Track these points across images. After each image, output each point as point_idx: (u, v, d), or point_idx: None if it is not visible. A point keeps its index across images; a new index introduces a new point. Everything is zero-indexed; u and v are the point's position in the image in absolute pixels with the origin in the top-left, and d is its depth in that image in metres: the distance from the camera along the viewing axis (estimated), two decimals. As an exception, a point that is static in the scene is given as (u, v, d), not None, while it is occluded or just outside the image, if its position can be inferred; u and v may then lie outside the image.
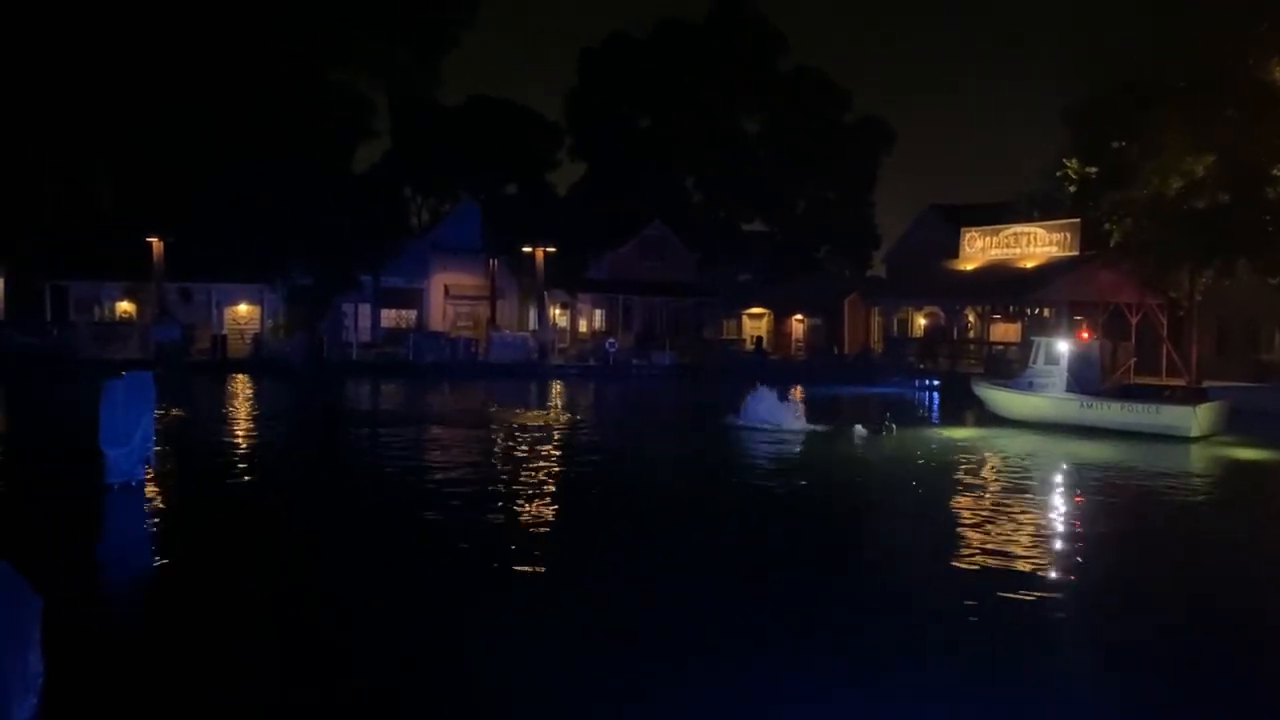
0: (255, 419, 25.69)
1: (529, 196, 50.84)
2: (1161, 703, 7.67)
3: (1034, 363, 25.80)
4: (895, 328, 46.03)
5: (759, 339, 49.92)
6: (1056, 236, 37.14)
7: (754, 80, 55.07)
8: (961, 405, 28.96)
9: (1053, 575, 10.99)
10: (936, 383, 36.28)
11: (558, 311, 51.04)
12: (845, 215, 57.03)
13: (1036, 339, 27.23)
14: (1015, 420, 25.16)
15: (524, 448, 19.82)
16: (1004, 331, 40.58)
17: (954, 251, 41.55)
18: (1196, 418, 22.72)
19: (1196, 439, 22.38)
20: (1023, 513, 14.35)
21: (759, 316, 52.71)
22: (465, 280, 49.90)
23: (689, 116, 54.40)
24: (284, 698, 7.29)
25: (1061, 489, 17.21)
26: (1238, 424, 23.75)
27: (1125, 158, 30.54)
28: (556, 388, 35.47)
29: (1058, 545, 12.59)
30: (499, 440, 21.12)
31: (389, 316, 48.76)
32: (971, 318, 42.54)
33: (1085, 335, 27.61)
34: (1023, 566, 11.13)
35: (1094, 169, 32.11)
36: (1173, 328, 34.34)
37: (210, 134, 39.68)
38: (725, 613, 9.30)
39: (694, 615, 9.20)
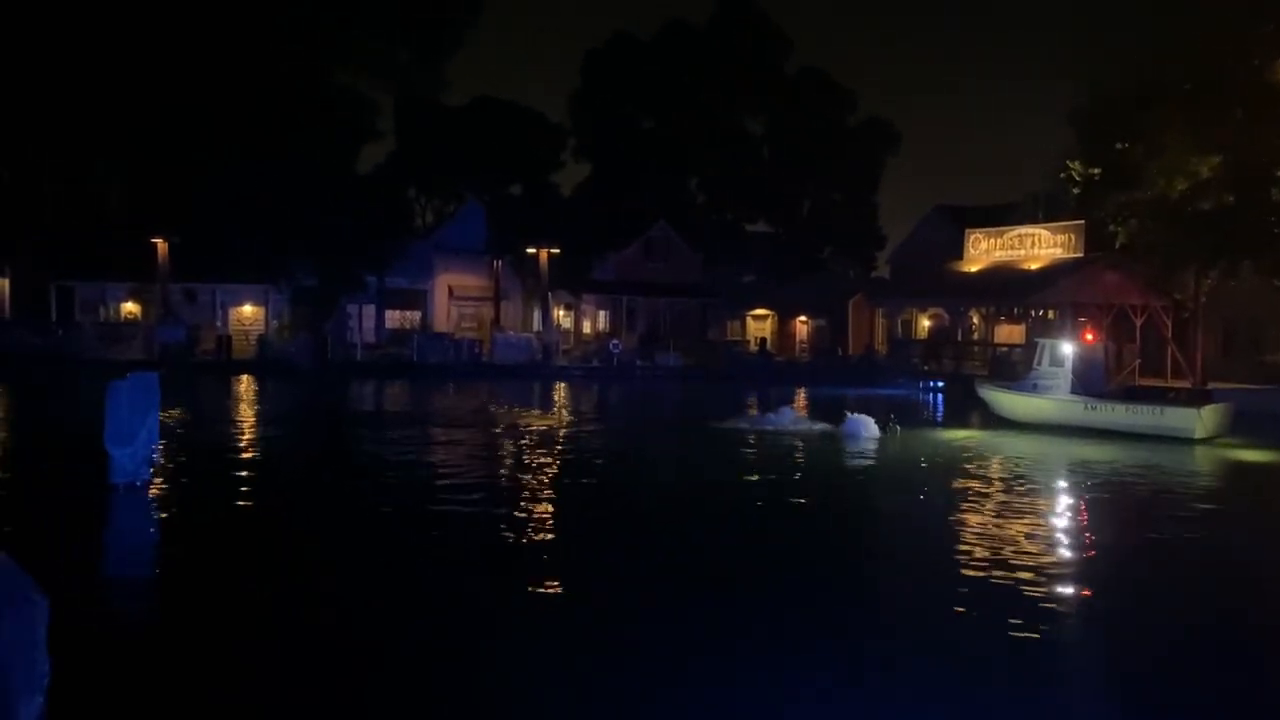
0: (259, 419, 25.76)
1: (533, 197, 50.86)
2: (1161, 703, 7.67)
3: (1038, 364, 25.78)
4: (899, 329, 45.99)
5: (763, 340, 49.91)
6: (1061, 238, 37.09)
7: (758, 81, 55.07)
8: (966, 407, 28.93)
9: (1054, 577, 10.97)
10: (941, 384, 36.24)
11: (562, 312, 51.08)
12: (849, 216, 56.98)
13: (1041, 341, 27.21)
14: (1019, 422, 25.13)
15: (527, 449, 19.84)
16: (1008, 333, 40.52)
17: (958, 253, 41.51)
18: (1201, 420, 22.68)
19: (1201, 441, 22.35)
20: (1025, 515, 14.34)
21: (763, 318, 52.70)
22: (469, 281, 49.96)
23: (693, 117, 54.42)
24: (284, 697, 7.32)
25: (1065, 491, 17.18)
26: (1242, 426, 23.69)
27: (1129, 159, 30.48)
28: (560, 389, 35.49)
29: (1060, 548, 12.56)
30: (502, 441, 21.15)
31: (393, 317, 48.84)
32: (976, 319, 42.48)
33: (1089, 337, 27.57)
34: (1026, 568, 11.11)
35: (1098, 170, 32.06)
36: (1177, 329, 34.26)
37: (215, 135, 39.78)
38: (725, 613, 9.32)
39: (694, 615, 9.22)
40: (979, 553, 11.75)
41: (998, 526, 13.34)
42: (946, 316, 43.56)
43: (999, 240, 39.91)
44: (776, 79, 55.92)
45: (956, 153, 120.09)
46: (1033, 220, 38.84)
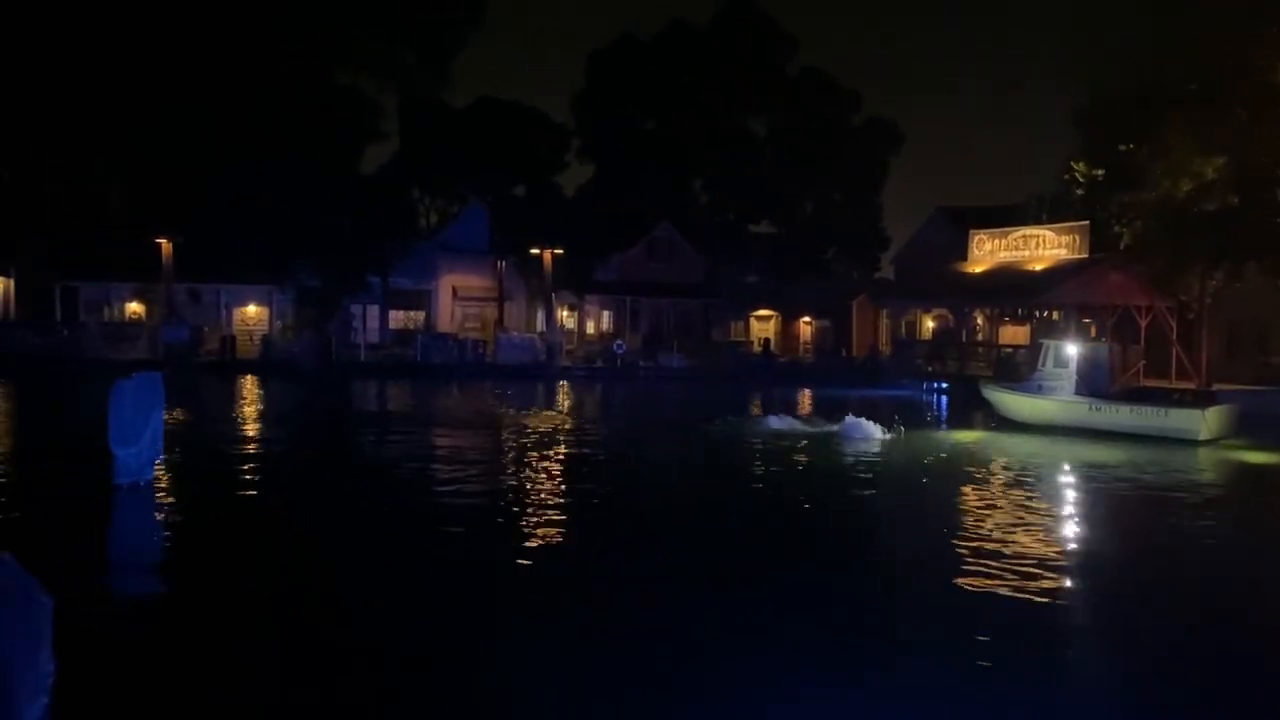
0: (263, 419, 25.81)
1: (536, 198, 50.94)
2: (1161, 703, 7.67)
3: (1043, 366, 25.74)
4: (903, 330, 45.91)
5: (766, 341, 49.87)
6: (1065, 239, 37.00)
7: (761, 81, 55.05)
8: (970, 408, 28.90)
9: (1056, 577, 10.96)
10: (945, 385, 36.19)
11: (565, 313, 51.11)
12: (853, 217, 56.93)
13: (1046, 342, 27.16)
14: (1024, 423, 25.10)
15: (529, 449, 19.86)
16: (1013, 334, 40.45)
17: (962, 253, 41.43)
18: (1205, 421, 22.63)
19: (1205, 442, 22.29)
20: (1027, 516, 14.32)
21: (766, 318, 52.67)
22: (473, 282, 50.02)
23: (695, 117, 54.41)
24: (285, 697, 7.34)
25: (1068, 493, 17.15)
26: (1247, 427, 23.64)
27: (1133, 160, 30.42)
28: (564, 390, 35.53)
29: (1062, 550, 12.54)
30: (504, 442, 21.17)
31: (397, 318, 48.93)
32: (980, 320, 42.41)
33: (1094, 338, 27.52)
34: (1027, 569, 11.09)
35: (1101, 171, 31.99)
36: (1182, 330, 34.16)
37: (215, 135, 39.84)
38: (725, 613, 9.32)
39: (694, 616, 9.22)
40: (980, 553, 11.73)
41: (1000, 527, 13.32)
42: (951, 317, 43.47)
43: (1003, 241, 39.83)
44: (779, 79, 55.90)
45: (953, 152, 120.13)
46: (1037, 221, 38.72)
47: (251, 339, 43.28)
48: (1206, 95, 28.77)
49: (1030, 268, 38.02)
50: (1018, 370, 32.26)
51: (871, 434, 21.99)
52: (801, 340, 51.67)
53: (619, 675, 7.84)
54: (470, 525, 13.19)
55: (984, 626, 9.11)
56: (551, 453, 19.62)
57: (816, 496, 16.09)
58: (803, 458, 19.74)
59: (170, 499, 14.28)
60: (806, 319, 51.56)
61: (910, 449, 20.89)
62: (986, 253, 40.66)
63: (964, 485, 16.78)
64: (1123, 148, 30.79)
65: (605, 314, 51.77)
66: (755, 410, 27.38)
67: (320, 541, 12.12)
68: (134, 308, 45.99)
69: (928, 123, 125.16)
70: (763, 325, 52.68)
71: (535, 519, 13.50)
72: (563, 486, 16.18)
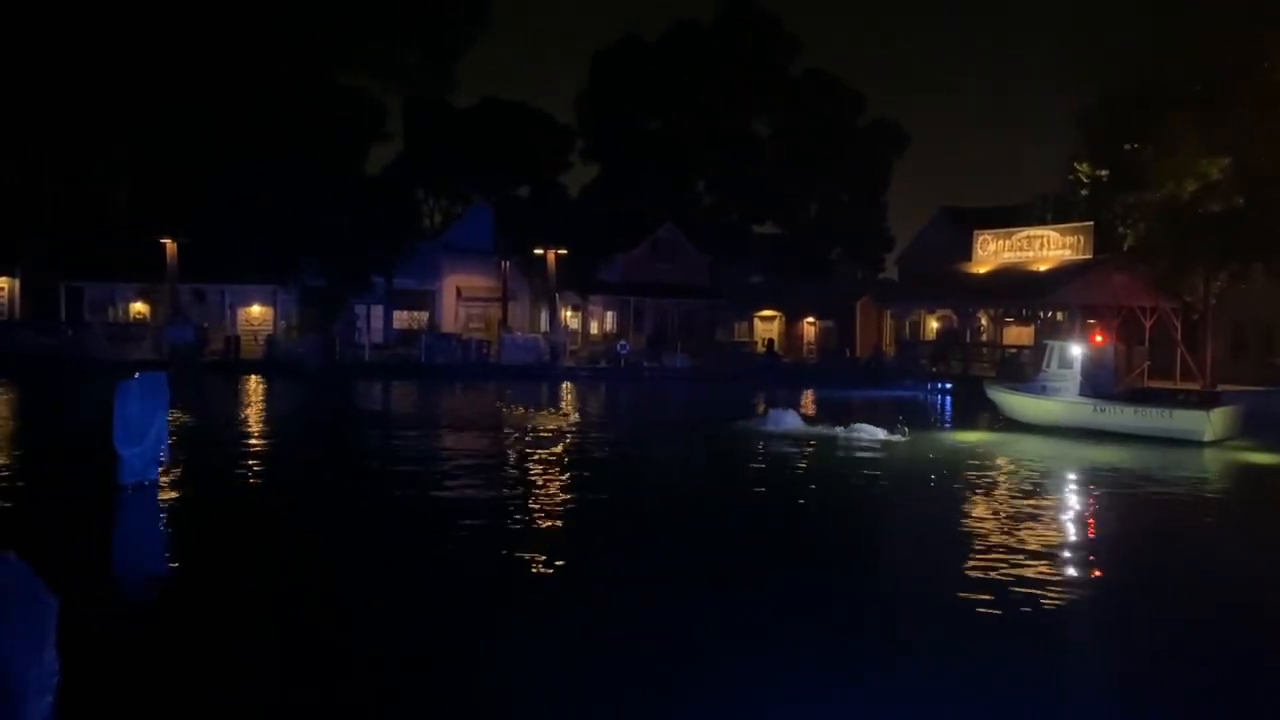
0: (267, 420, 25.87)
1: (540, 198, 50.97)
2: (1161, 703, 7.66)
3: (1047, 366, 25.70)
4: (907, 330, 45.86)
5: (770, 341, 49.84)
6: (1070, 239, 36.92)
7: (764, 82, 55.05)
8: (974, 409, 28.86)
9: (1057, 577, 10.95)
10: (949, 386, 36.14)
11: (569, 313, 51.13)
12: (857, 217, 56.88)
13: (1050, 343, 27.12)
14: (1028, 424, 25.06)
15: (532, 450, 19.88)
16: (1017, 335, 40.37)
17: (966, 254, 41.36)
18: (1210, 422, 22.58)
19: (1210, 443, 22.24)
20: (1030, 516, 14.30)
21: (770, 319, 52.64)
22: (477, 282, 50.07)
23: (699, 118, 54.42)
24: (285, 697, 7.37)
25: (1072, 493, 17.13)
26: (1252, 428, 23.58)
27: (1138, 160, 30.36)
28: (568, 390, 35.55)
29: (1065, 549, 12.53)
30: (507, 442, 21.19)
31: (401, 318, 48.99)
32: (984, 321, 42.33)
33: (1099, 339, 27.47)
34: (1028, 568, 11.08)
35: (1105, 172, 31.93)
36: (1187, 331, 34.07)
37: (219, 135, 39.94)
38: (726, 613, 9.33)
39: (694, 616, 9.23)
40: (981, 553, 11.73)
41: (1002, 527, 13.31)
42: (955, 318, 43.39)
43: (1007, 242, 39.75)
44: (782, 80, 55.90)
45: (954, 152, 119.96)
46: (1041, 222, 38.65)
47: (256, 339, 43.37)
48: (1208, 95, 28.71)
49: (1035, 268, 37.95)
50: (1022, 371, 32.21)
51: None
52: (805, 341, 51.64)
53: (619, 675, 7.85)
54: (471, 525, 13.21)
55: (984, 627, 9.11)
56: (554, 453, 19.64)
57: (818, 496, 16.09)
58: (803, 458, 19.74)
59: (174, 499, 14.32)
60: (810, 319, 51.52)
61: (914, 450, 20.88)
62: (991, 253, 40.59)
63: (967, 486, 16.76)
64: (1126, 148, 30.75)
65: (609, 314, 51.79)
66: (758, 410, 27.36)
67: (322, 541, 12.15)
68: (138, 308, 46.12)
69: (929, 123, 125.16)
70: (766, 326, 52.65)
71: (536, 519, 13.52)
72: (564, 487, 16.20)
